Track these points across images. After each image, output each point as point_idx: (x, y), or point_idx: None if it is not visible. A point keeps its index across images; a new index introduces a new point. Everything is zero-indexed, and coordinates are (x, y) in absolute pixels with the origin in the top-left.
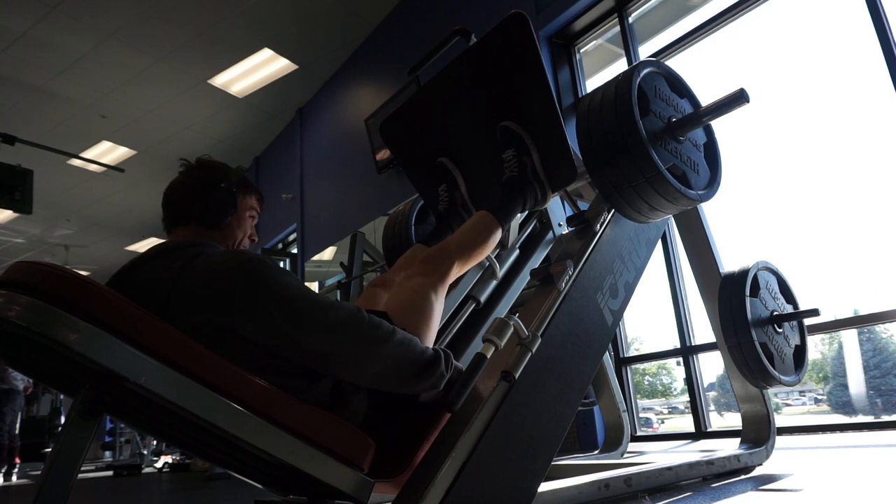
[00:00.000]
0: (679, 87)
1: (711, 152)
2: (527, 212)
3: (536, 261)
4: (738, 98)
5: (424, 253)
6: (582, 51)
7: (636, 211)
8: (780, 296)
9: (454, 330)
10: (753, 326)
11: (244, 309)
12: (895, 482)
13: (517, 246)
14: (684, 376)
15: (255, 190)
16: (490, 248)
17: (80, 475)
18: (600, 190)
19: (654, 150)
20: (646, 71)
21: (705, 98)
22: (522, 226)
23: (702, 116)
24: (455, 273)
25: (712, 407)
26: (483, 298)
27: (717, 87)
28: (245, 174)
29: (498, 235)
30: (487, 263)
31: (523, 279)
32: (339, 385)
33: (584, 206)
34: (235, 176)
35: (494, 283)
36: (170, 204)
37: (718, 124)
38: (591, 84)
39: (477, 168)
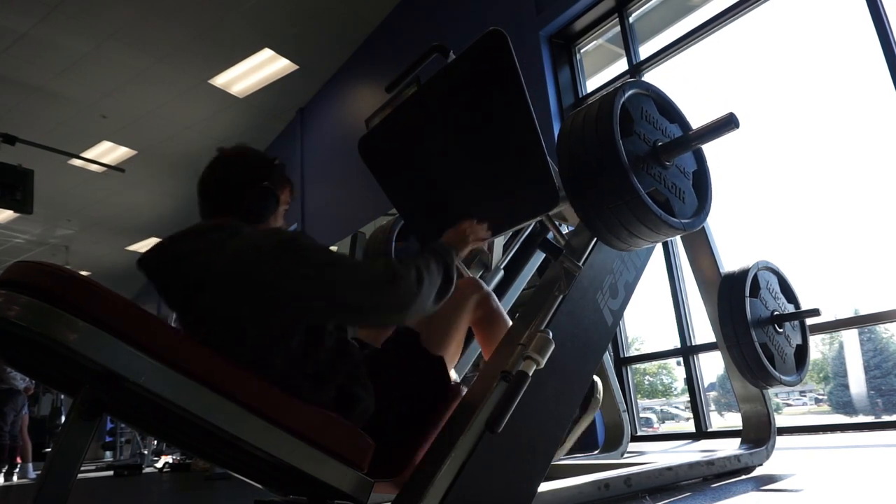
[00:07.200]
0: (669, 110)
1: (701, 181)
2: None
3: (537, 261)
4: (726, 123)
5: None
6: (582, 51)
7: (616, 237)
8: (780, 296)
9: None
10: (754, 326)
11: (281, 266)
12: (895, 482)
13: (501, 267)
14: (685, 376)
15: (290, 182)
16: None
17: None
18: (580, 213)
19: (636, 174)
20: (631, 91)
21: (703, 113)
22: (506, 248)
23: (689, 141)
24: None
25: (713, 407)
26: None
27: (718, 86)
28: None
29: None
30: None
31: (524, 279)
32: (345, 388)
33: (566, 229)
34: (278, 174)
35: (496, 281)
36: (209, 195)
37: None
38: (592, 84)
39: (456, 187)
